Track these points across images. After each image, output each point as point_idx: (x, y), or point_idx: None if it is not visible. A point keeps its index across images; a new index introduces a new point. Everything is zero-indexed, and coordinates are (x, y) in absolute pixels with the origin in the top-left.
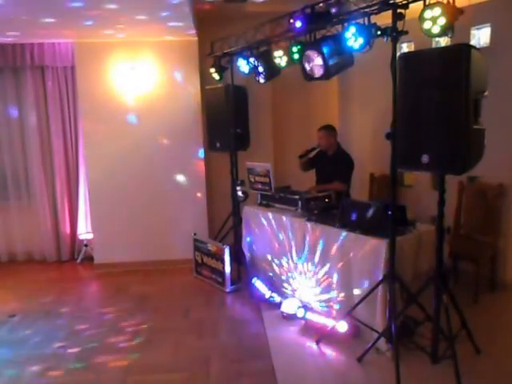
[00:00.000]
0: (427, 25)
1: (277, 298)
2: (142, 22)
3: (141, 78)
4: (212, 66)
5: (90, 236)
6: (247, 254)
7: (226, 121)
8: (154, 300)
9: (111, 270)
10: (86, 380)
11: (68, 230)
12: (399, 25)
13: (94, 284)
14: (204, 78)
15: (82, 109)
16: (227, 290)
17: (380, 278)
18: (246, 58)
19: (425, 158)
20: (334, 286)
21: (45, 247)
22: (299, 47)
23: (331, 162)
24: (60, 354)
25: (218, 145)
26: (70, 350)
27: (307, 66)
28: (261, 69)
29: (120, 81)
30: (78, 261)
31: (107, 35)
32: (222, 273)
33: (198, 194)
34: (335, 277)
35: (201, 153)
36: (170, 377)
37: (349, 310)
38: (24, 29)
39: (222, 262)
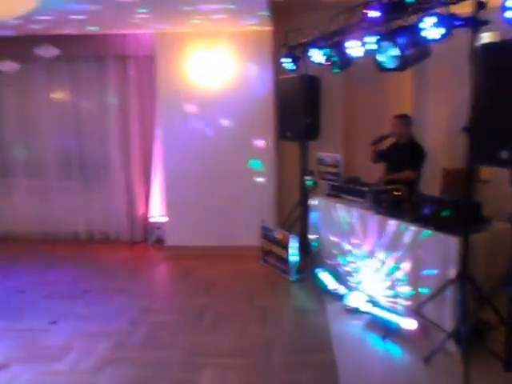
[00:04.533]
0: (510, 14)
1: (342, 291)
2: (219, 13)
3: (216, 67)
4: (286, 56)
5: (162, 219)
6: (314, 244)
7: (298, 110)
8: (221, 285)
9: (181, 252)
10: (152, 357)
11: (141, 212)
12: (480, 14)
13: (164, 265)
14: (278, 67)
15: (160, 96)
16: (292, 279)
17: (451, 276)
18: (320, 49)
19: (504, 154)
20: (402, 281)
21: (119, 228)
22: (374, 38)
23: (403, 151)
24: (130, 330)
25: (288, 134)
26: (139, 328)
27: (382, 57)
28: (334, 59)
29: (196, 70)
30: (150, 242)
31: (186, 26)
32: (287, 261)
33: (268, 183)
34: (403, 272)
35: (271, 142)
36: (231, 361)
37: (417, 308)
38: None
39: (288, 250)
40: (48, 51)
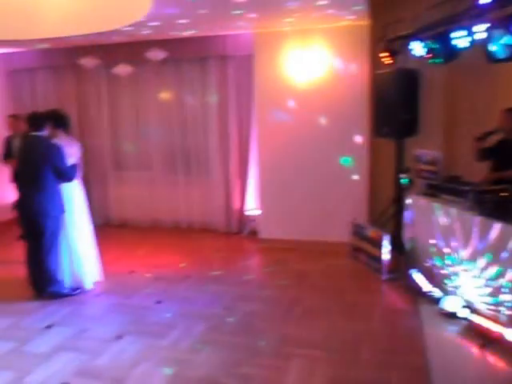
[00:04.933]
0: None
1: (437, 294)
2: (317, 9)
3: (312, 64)
4: (384, 50)
5: (257, 212)
6: (408, 244)
7: (396, 106)
8: (311, 278)
9: (273, 245)
10: (244, 343)
11: (237, 205)
12: None
13: (257, 256)
14: (375, 62)
15: (257, 94)
16: (383, 277)
17: None
18: (422, 41)
19: None
20: (506, 289)
21: (217, 219)
22: (484, 26)
23: None
24: (224, 315)
25: (385, 130)
26: (232, 313)
27: (493, 47)
28: (438, 51)
29: (293, 67)
30: (244, 234)
31: (283, 24)
32: (379, 260)
33: (361, 179)
34: (508, 279)
35: (364, 138)
36: (319, 355)
37: None
38: (209, 22)
39: (381, 249)
40: (156, 54)
